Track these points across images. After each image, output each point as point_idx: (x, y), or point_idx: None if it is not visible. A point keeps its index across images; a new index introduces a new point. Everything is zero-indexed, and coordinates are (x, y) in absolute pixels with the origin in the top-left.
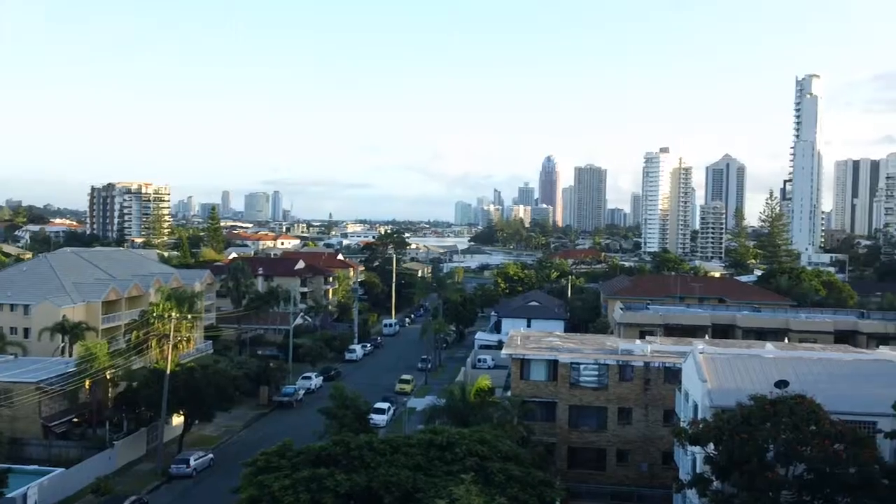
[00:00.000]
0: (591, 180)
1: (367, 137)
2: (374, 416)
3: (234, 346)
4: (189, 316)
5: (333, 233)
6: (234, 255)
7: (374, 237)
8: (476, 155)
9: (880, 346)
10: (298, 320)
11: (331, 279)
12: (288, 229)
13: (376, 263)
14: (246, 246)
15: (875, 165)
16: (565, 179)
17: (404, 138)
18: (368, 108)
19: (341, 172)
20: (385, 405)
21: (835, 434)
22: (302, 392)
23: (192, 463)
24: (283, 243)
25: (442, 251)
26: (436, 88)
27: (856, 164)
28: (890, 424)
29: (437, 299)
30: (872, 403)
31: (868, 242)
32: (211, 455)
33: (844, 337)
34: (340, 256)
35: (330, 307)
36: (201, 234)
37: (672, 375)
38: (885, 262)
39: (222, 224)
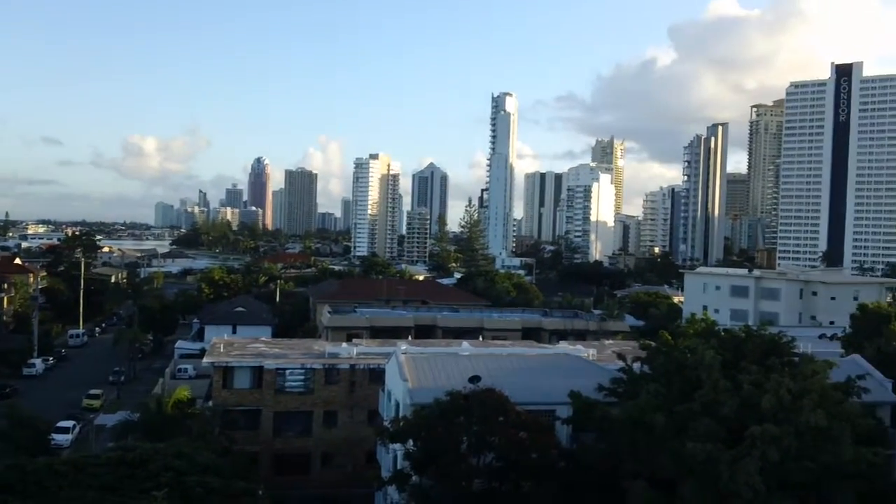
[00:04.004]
0: (302, 184)
1: (49, 129)
2: (56, 435)
3: None
4: None
5: (10, 234)
6: None
7: (59, 239)
8: (178, 154)
9: (560, 342)
10: None
11: (6, 286)
12: None
13: (62, 268)
14: None
15: (559, 178)
16: (276, 182)
17: (93, 132)
18: (48, 96)
19: (19, 167)
20: (69, 423)
21: (520, 423)
22: None
23: None
24: None
25: (140, 255)
26: (127, 80)
27: (542, 176)
28: (567, 412)
29: (132, 306)
30: (552, 393)
31: (552, 247)
32: None
33: (530, 333)
34: (18, 260)
35: (5, 318)
36: None
37: (377, 376)
38: (566, 265)
39: None
